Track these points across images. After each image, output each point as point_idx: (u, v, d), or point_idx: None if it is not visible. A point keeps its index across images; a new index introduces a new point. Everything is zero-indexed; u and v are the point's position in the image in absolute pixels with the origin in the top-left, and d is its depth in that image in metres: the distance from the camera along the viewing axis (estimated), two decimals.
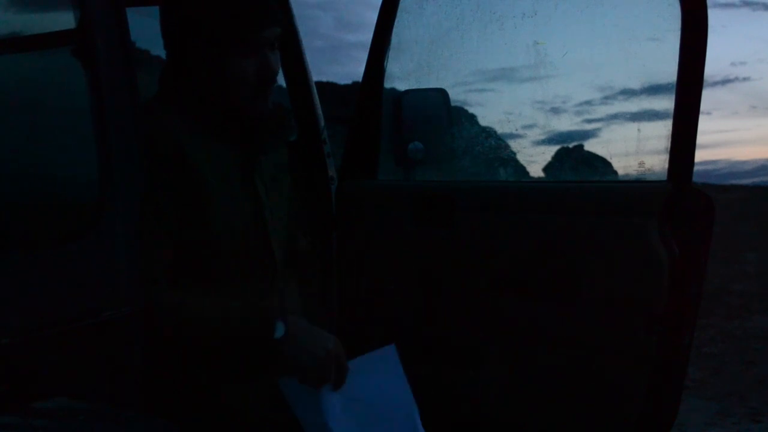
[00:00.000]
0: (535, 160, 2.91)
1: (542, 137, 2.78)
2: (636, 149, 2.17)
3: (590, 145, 2.92)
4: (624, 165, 2.23)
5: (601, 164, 2.48)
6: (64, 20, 1.61)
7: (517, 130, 2.65)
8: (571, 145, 3.04)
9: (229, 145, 1.84)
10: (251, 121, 1.84)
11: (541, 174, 2.98)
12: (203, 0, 1.78)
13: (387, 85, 2.47)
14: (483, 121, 2.93)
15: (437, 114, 2.50)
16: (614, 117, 2.56)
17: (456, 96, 2.53)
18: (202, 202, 1.77)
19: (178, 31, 1.81)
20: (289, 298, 1.92)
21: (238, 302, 1.77)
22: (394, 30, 2.40)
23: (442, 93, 2.49)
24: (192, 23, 1.78)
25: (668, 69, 1.98)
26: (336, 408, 1.75)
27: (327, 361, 1.70)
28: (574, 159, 3.03)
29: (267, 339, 1.68)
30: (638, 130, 2.16)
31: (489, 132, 2.77)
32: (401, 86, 2.54)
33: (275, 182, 1.93)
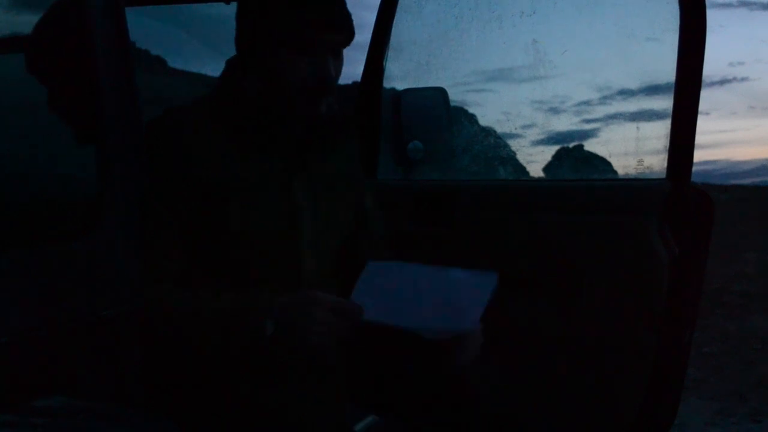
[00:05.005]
0: (535, 160, 2.91)
1: (541, 137, 2.78)
2: (635, 149, 2.17)
3: (590, 145, 2.93)
4: (623, 164, 2.23)
5: (601, 163, 2.48)
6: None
7: (516, 129, 2.65)
8: (570, 145, 3.04)
9: (270, 151, 1.79)
10: (299, 126, 1.79)
11: (541, 174, 2.98)
12: None
13: (386, 84, 2.47)
14: (482, 121, 2.93)
15: (436, 113, 2.49)
16: (613, 117, 2.56)
17: (455, 95, 2.53)
18: (215, 209, 1.74)
19: (244, 21, 1.78)
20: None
21: (229, 302, 1.75)
22: (393, 29, 2.40)
23: (441, 92, 2.48)
24: (258, 13, 1.74)
25: (667, 69, 1.98)
26: None
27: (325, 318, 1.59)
28: (574, 158, 3.04)
29: (257, 337, 1.64)
30: (637, 128, 2.17)
31: (488, 131, 2.77)
32: (400, 86, 2.54)
33: (331, 191, 1.88)
